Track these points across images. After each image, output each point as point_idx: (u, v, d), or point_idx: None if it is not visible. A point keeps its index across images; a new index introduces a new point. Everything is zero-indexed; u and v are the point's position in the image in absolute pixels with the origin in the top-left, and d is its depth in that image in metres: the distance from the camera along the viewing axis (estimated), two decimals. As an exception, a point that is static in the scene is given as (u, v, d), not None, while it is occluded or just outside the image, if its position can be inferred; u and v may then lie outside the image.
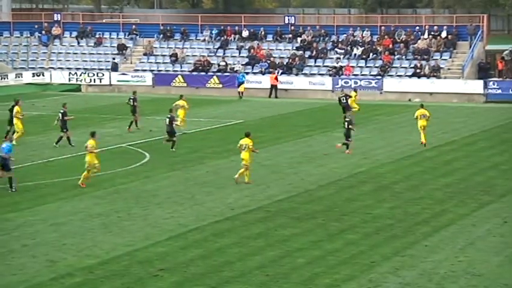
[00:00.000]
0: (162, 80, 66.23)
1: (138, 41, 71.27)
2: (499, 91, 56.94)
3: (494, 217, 26.46)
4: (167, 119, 39.29)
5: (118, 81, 67.36)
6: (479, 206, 27.97)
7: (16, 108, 41.04)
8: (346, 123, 38.12)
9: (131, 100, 45.45)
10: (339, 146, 38.04)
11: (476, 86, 58.67)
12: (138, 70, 68.10)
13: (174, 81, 65.79)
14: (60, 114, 39.89)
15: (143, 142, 41.47)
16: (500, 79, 59.72)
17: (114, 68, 67.47)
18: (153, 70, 67.64)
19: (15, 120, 40.89)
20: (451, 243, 23.60)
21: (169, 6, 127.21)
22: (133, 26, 72.83)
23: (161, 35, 70.85)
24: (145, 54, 69.58)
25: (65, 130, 39.63)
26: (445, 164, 35.57)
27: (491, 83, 58.37)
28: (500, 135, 43.11)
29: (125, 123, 45.84)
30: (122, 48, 70.27)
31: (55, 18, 74.52)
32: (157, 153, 38.18)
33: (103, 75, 67.70)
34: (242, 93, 61.13)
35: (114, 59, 68.22)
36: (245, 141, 31.71)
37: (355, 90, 52.39)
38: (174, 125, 39.35)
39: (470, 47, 62.21)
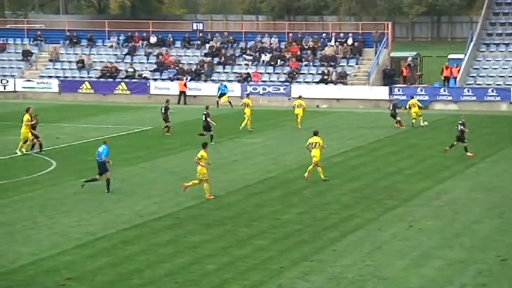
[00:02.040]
0: (69, 87, 65.34)
1: (44, 47, 70.19)
2: (404, 97, 57.94)
3: (400, 221, 26.92)
4: (203, 115, 42.54)
5: (23, 87, 66.17)
6: (385, 210, 28.42)
7: (26, 116, 39.87)
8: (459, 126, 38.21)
9: (163, 108, 46.57)
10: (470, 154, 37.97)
11: (381, 92, 59.69)
12: (43, 76, 67.02)
13: (81, 87, 64.98)
14: None
15: (50, 149, 40.78)
16: (405, 85, 60.88)
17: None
18: (59, 76, 66.67)
19: (23, 128, 39.62)
20: (358, 248, 23.90)
21: (75, 11, 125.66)
22: (39, 32, 71.67)
23: (67, 41, 69.91)
24: (51, 61, 68.54)
25: None
26: (352, 169, 36.04)
27: (396, 89, 59.44)
28: (405, 141, 43.92)
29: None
30: (26, 54, 69.07)
31: (-44, 24, 72.87)
32: (64, 161, 37.62)
33: (7, 81, 66.38)
34: (230, 102, 56.73)
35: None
36: (314, 140, 33.02)
37: None
38: (209, 120, 42.29)
39: (376, 53, 63.27)
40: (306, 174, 33.17)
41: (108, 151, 31.44)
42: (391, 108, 49.71)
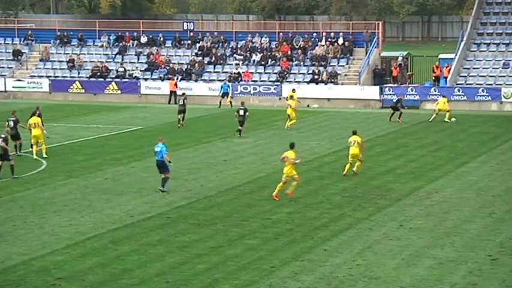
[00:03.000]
0: (59, 86, 65.21)
1: (34, 47, 70.03)
2: (395, 97, 58.03)
3: (391, 221, 26.95)
4: (241, 111, 44.48)
5: (14, 87, 66.02)
6: (376, 210, 28.44)
7: (36, 119, 39.15)
8: None
9: (181, 100, 49.27)
10: None
11: (372, 92, 59.76)
12: (34, 76, 66.88)
13: (71, 87, 64.87)
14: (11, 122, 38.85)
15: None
16: (396, 85, 60.96)
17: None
18: (49, 76, 66.53)
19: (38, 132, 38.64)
20: (349, 247, 23.91)
21: (66, 11, 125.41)
22: (29, 32, 71.46)
23: (58, 41, 69.77)
24: (41, 60, 68.40)
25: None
26: (343, 169, 36.01)
27: (386, 89, 59.53)
28: (396, 140, 43.97)
29: (21, 130, 44.80)
30: (17, 53, 68.90)
31: None
32: (54, 161, 37.54)
33: (-2, 81, 66.28)
34: (231, 103, 56.93)
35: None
36: (354, 138, 34.00)
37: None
38: (246, 116, 44.35)
39: (367, 53, 63.32)
40: (344, 172, 34.01)
41: (167, 148, 31.48)
42: (395, 101, 51.27)
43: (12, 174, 33.53)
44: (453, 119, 50.04)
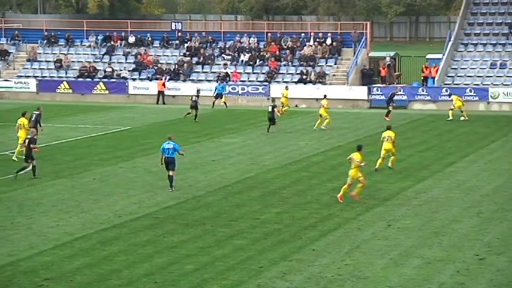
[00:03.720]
0: (47, 87, 65.04)
1: (21, 47, 69.84)
2: (383, 97, 58.16)
3: (379, 220, 26.98)
4: (270, 107, 45.74)
5: (0, 87, 65.85)
6: (364, 209, 28.47)
7: (22, 120, 38.56)
8: None
9: (193, 97, 51.37)
10: None
11: (360, 92, 59.84)
12: (21, 76, 66.68)
13: (59, 87, 64.71)
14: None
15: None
16: (384, 85, 61.07)
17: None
18: (37, 76, 66.35)
19: (20, 133, 38.14)
20: (337, 247, 23.92)
21: (53, 11, 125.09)
22: (16, 32, 71.23)
23: (45, 41, 69.59)
24: (28, 60, 68.21)
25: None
26: (332, 168, 36.09)
27: (375, 89, 59.61)
28: (384, 140, 43.95)
29: (6, 131, 44.75)
30: (4, 54, 68.71)
31: None
32: (41, 161, 37.39)
33: (-16, 81, 66.04)
34: (226, 103, 57.08)
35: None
36: (388, 134, 34.59)
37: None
38: (275, 113, 45.51)
39: (355, 53, 63.41)
40: (376, 167, 34.64)
41: (179, 145, 31.80)
42: (389, 96, 52.45)
43: (33, 175, 33.49)
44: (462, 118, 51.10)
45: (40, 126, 40.36)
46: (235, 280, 21.06)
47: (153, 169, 35.52)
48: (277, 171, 35.26)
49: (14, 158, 37.20)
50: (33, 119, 40.21)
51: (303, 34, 66.72)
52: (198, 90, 54.04)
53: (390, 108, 51.48)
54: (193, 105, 50.83)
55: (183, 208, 28.78)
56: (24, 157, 34.03)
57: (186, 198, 30.28)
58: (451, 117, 51.04)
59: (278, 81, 62.21)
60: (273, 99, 48.62)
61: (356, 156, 29.43)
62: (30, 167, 33.51)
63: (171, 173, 31.25)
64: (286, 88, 54.89)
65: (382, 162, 34.96)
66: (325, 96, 50.06)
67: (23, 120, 38.74)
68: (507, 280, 21.05)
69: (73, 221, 27.05)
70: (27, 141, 33.92)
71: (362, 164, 29.48)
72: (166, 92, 62.16)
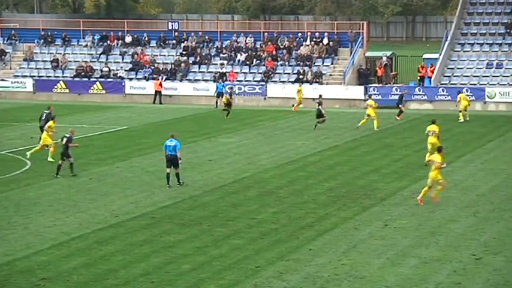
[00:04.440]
0: (44, 86, 65.00)
1: (18, 46, 69.76)
2: (379, 97, 58.18)
3: (376, 220, 26.99)
4: (317, 104, 47.46)
5: (-3, 87, 65.77)
6: (361, 209, 28.48)
7: (50, 123, 38.63)
8: None
9: (227, 94, 53.76)
10: None
11: (357, 92, 59.85)
12: (18, 76, 66.63)
13: (55, 87, 64.67)
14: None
15: (24, 149, 40.51)
16: (380, 85, 61.10)
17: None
18: (33, 76, 66.28)
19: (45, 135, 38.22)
20: (334, 247, 23.93)
21: (50, 11, 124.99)
22: (13, 31, 71.18)
23: (42, 40, 69.54)
24: (25, 60, 68.17)
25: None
26: (328, 168, 36.11)
27: (371, 88, 59.62)
28: (381, 140, 44.06)
29: (4, 130, 44.67)
30: (0, 53, 68.63)
31: None
32: (38, 161, 37.38)
33: (-19, 81, 65.95)
34: (224, 103, 55.49)
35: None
36: (432, 128, 35.37)
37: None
38: (322, 110, 46.73)
39: (351, 53, 63.44)
40: (425, 161, 33.77)
41: (181, 144, 31.94)
42: (398, 98, 52.60)
43: (71, 172, 33.82)
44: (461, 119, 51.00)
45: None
46: (232, 280, 21.06)
47: (150, 169, 35.54)
48: (274, 171, 35.27)
49: (49, 159, 37.19)
50: (43, 118, 40.52)
51: (299, 34, 66.73)
52: (232, 88, 55.58)
53: (402, 108, 51.42)
54: (226, 102, 52.27)
55: (180, 208, 28.78)
56: (60, 154, 34.25)
57: (183, 197, 30.28)
58: (461, 119, 50.80)
59: (275, 81, 62.22)
60: (320, 96, 49.76)
61: (436, 157, 29.16)
62: (68, 163, 33.96)
63: (174, 170, 31.41)
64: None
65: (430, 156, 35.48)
66: (370, 96, 50.97)
67: (50, 123, 38.65)
68: (504, 280, 21.08)
69: (70, 220, 27.04)
70: (64, 139, 34.16)
71: (443, 166, 29.16)
72: (163, 92, 62.15)
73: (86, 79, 65.19)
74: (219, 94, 58.02)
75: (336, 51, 64.21)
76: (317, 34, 65.89)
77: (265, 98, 60.71)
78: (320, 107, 47.13)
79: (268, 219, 27.15)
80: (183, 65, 64.48)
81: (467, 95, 53.27)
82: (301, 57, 63.53)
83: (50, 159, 36.94)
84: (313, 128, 46.99)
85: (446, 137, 44.26)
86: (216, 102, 57.94)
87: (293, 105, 56.14)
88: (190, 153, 39.61)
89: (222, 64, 64.13)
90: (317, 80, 61.24)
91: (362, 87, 59.99)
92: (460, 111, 51.17)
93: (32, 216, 27.59)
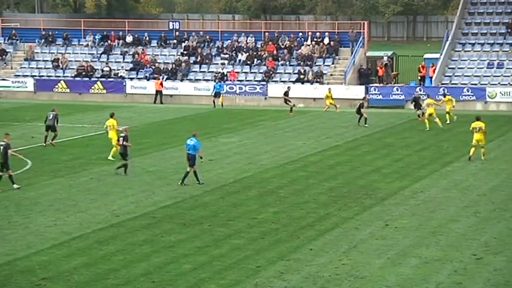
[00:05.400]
0: (44, 86, 65.00)
1: (19, 46, 69.77)
2: (380, 96, 58.20)
3: (377, 220, 26.98)
4: (358, 104, 48.61)
5: (-3, 86, 65.77)
6: (362, 209, 28.48)
7: (111, 121, 38.64)
8: None
9: (285, 92, 54.64)
10: None
11: (358, 92, 59.75)
12: (19, 75, 66.64)
13: (56, 86, 64.68)
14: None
15: (25, 149, 40.52)
16: (381, 85, 61.07)
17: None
18: (34, 75, 66.28)
19: (111, 134, 38.31)
20: (335, 247, 23.93)
21: (51, 10, 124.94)
22: (14, 31, 71.18)
23: (43, 40, 69.55)
24: (26, 60, 68.17)
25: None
26: (329, 168, 36.10)
27: (372, 88, 59.61)
28: (381, 140, 44.05)
29: (4, 130, 44.66)
30: (1, 53, 68.65)
31: None
32: (39, 160, 37.40)
33: (-18, 81, 65.96)
34: (222, 104, 57.44)
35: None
36: (477, 124, 36.74)
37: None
38: (362, 110, 47.81)
39: (352, 53, 63.43)
40: (470, 154, 36.52)
41: (200, 144, 32.37)
42: (412, 100, 52.15)
43: (124, 173, 34.07)
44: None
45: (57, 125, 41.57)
46: (233, 280, 21.06)
47: (150, 169, 35.55)
48: (274, 171, 35.26)
49: (110, 157, 37.41)
50: (50, 118, 41.14)
51: (300, 34, 66.71)
52: (289, 87, 56.18)
53: (422, 111, 50.01)
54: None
55: (181, 207, 28.78)
56: (120, 155, 34.55)
57: (184, 197, 30.28)
58: (448, 121, 50.25)
59: (275, 81, 62.22)
60: (364, 97, 51.18)
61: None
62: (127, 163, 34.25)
63: (192, 169, 31.90)
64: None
65: (475, 151, 36.66)
66: (428, 95, 50.24)
67: (112, 122, 38.62)
68: (504, 279, 21.07)
69: (70, 220, 27.04)
70: (121, 139, 34.23)
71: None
72: (164, 92, 62.14)
73: (86, 79, 65.19)
74: (217, 94, 58.11)
75: (337, 51, 64.20)
76: (318, 34, 65.88)
77: (266, 98, 60.71)
78: (362, 109, 47.95)
79: (269, 219, 27.15)
80: (183, 64, 64.48)
81: (453, 97, 51.96)
82: (302, 57, 63.52)
83: (110, 157, 37.35)
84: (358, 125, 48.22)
85: (447, 137, 44.29)
86: (214, 102, 58.01)
87: (336, 107, 55.15)
88: (191, 153, 39.59)
89: (222, 64, 64.11)
90: (318, 79, 61.23)
91: (363, 87, 59.95)
92: (448, 113, 50.36)
93: (32, 215, 27.60)
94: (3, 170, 31.57)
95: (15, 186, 31.51)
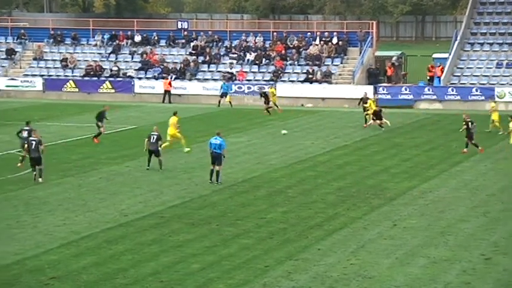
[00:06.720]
0: (53, 85, 65.10)
1: (28, 46, 69.91)
2: (389, 96, 58.12)
3: (385, 220, 26.96)
4: (360, 98, 49.18)
5: (7, 86, 65.86)
6: (370, 209, 28.45)
7: (173, 119, 39.91)
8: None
9: (263, 93, 54.65)
10: None
11: (366, 92, 59.62)
12: (27, 75, 66.76)
13: (65, 86, 64.76)
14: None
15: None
16: (390, 84, 61.00)
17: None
18: (43, 75, 66.40)
19: (172, 131, 39.66)
20: (343, 247, 23.91)
21: (60, 10, 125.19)
22: (22, 30, 71.30)
23: (51, 40, 69.66)
24: (35, 59, 68.27)
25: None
26: (338, 168, 36.08)
27: (381, 88, 59.54)
28: (390, 140, 44.00)
29: (14, 129, 44.74)
30: (10, 52, 68.76)
31: None
32: (48, 160, 37.43)
33: (-9, 80, 66.10)
34: (230, 103, 57.57)
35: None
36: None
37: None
38: (381, 111, 46.90)
39: (361, 53, 63.35)
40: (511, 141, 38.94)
41: (225, 143, 32.68)
42: None
43: (160, 168, 34.69)
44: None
45: (102, 122, 43.04)
46: (241, 279, 21.07)
47: (159, 168, 35.52)
48: (283, 171, 35.26)
49: (185, 150, 38.70)
50: (103, 116, 43.23)
51: (309, 33, 66.67)
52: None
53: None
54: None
55: (189, 207, 28.80)
56: (152, 152, 35.16)
57: (192, 197, 30.30)
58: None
59: (284, 81, 62.19)
60: (377, 99, 51.31)
61: None
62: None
63: (217, 167, 32.17)
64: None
65: None
66: (491, 98, 50.53)
67: (174, 119, 39.79)
68: (513, 280, 21.03)
69: (79, 219, 27.08)
70: (154, 137, 35.00)
71: None
72: (172, 91, 62.17)
73: (95, 78, 65.27)
74: (223, 94, 58.23)
75: (345, 50, 64.13)
76: (326, 34, 65.82)
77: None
78: (380, 111, 46.55)
79: (277, 218, 27.15)
80: (192, 64, 64.51)
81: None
82: (310, 56, 63.47)
83: (186, 149, 38.61)
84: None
85: (456, 136, 44.20)
86: (219, 102, 58.21)
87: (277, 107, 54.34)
88: (199, 153, 39.61)
89: (231, 64, 64.13)
90: (326, 79, 61.18)
91: (371, 87, 59.86)
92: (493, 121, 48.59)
93: (41, 215, 27.65)
94: (34, 167, 32.61)
95: (40, 180, 32.42)
